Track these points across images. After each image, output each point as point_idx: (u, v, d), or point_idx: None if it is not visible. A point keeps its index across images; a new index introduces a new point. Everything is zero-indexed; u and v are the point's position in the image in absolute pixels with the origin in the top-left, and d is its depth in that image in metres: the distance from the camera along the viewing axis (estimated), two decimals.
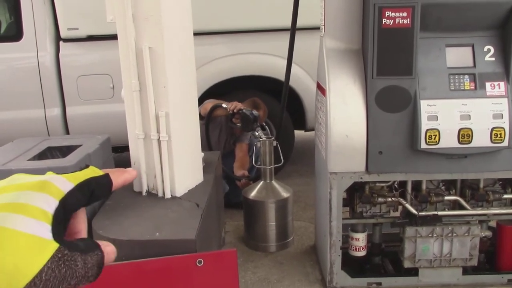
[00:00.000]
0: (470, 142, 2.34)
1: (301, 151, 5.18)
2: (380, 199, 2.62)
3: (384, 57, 2.33)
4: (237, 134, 3.93)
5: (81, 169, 0.53)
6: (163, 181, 2.44)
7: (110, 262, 0.53)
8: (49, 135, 3.98)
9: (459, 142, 2.35)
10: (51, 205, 0.47)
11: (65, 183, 0.49)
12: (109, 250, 0.53)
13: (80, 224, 0.56)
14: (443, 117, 2.34)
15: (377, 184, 2.63)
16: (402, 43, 2.31)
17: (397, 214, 2.73)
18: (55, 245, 0.44)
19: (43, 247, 0.43)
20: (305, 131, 4.62)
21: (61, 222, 0.47)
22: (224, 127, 3.91)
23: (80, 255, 0.47)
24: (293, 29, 2.98)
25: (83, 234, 0.56)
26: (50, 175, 0.50)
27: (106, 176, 0.54)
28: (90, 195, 0.52)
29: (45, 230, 0.45)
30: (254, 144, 3.76)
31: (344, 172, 2.49)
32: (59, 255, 0.44)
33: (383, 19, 2.28)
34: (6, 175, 0.50)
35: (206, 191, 2.52)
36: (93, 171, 0.53)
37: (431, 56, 2.39)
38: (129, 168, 0.57)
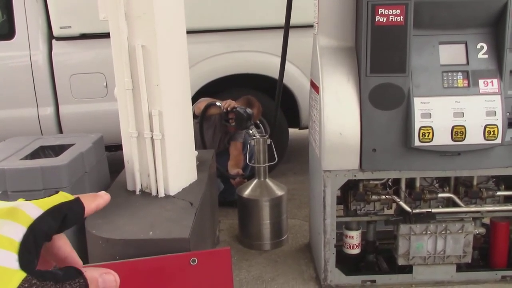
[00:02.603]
0: (463, 139, 2.35)
1: (296, 149, 5.18)
2: (374, 197, 2.62)
3: (377, 54, 2.33)
4: (231, 133, 3.92)
5: (50, 195, 0.51)
6: (156, 180, 2.43)
7: None
8: (42, 134, 3.95)
9: (453, 140, 2.35)
10: (18, 232, 0.44)
11: (34, 209, 0.47)
12: (107, 278, 0.51)
13: (65, 249, 0.54)
14: (437, 114, 2.34)
15: (371, 182, 2.63)
16: (396, 40, 2.31)
17: (391, 211, 2.73)
18: (22, 275, 0.42)
19: (8, 277, 0.42)
20: (299, 129, 4.62)
21: (31, 250, 0.45)
22: (218, 125, 3.90)
23: (54, 285, 0.45)
24: (287, 27, 2.98)
25: (73, 259, 0.54)
26: (19, 202, 0.48)
27: (77, 200, 0.52)
28: (62, 220, 0.50)
29: (11, 260, 0.42)
30: (248, 143, 3.76)
31: (338, 170, 2.49)
32: (26, 285, 0.42)
33: (376, 17, 2.28)
34: None
35: (200, 190, 2.51)
36: (63, 197, 0.51)
37: (424, 54, 2.39)
38: (101, 192, 0.56)
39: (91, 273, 0.50)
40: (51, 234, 0.50)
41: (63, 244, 0.54)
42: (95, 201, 0.57)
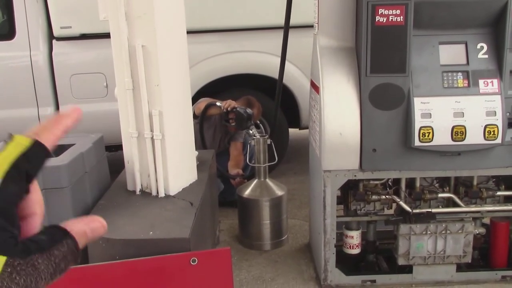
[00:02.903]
0: (463, 139, 2.35)
1: (296, 149, 5.18)
2: (374, 197, 2.62)
3: (377, 54, 2.33)
4: (231, 133, 3.92)
5: (5, 143, 0.45)
6: (156, 180, 2.43)
7: (99, 236, 0.48)
8: None
9: (453, 140, 2.35)
10: None
11: None
12: (94, 226, 0.48)
13: (32, 206, 0.48)
14: (437, 114, 2.35)
15: (371, 182, 2.63)
16: (396, 40, 2.31)
17: (391, 211, 2.73)
18: (1, 260, 0.38)
19: None
20: (299, 129, 4.62)
21: (3, 227, 0.40)
22: (219, 125, 3.90)
23: (40, 256, 0.40)
24: (287, 27, 2.98)
25: (38, 215, 0.48)
26: None
27: (36, 143, 0.45)
28: (28, 177, 0.44)
29: None
30: (249, 143, 3.76)
31: (338, 170, 2.49)
32: (9, 269, 0.38)
33: (377, 17, 2.28)
34: None
35: (200, 190, 2.51)
36: (18, 145, 0.44)
37: (424, 54, 2.39)
38: (69, 108, 0.50)
39: (77, 226, 0.45)
40: (20, 198, 0.44)
41: (34, 198, 0.48)
42: (60, 124, 0.49)
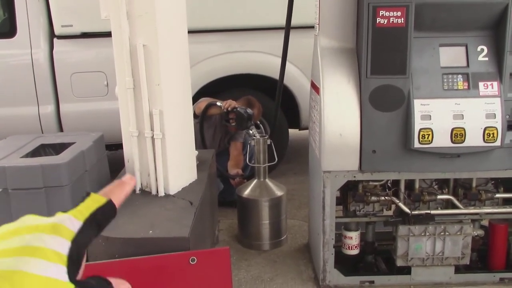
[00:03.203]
0: (463, 141, 2.36)
1: (296, 149, 5.19)
2: (373, 198, 2.63)
3: (378, 56, 2.34)
4: (231, 133, 3.92)
5: (83, 198, 0.55)
6: (156, 179, 2.44)
7: None
8: (42, 133, 3.96)
9: (452, 142, 2.36)
10: (64, 247, 0.49)
11: (74, 223, 0.53)
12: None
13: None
14: (436, 116, 2.35)
15: (371, 183, 2.64)
16: (396, 42, 2.31)
17: (390, 212, 2.74)
18: (71, 287, 0.46)
19: None
20: (299, 130, 4.63)
21: (75, 262, 0.49)
22: (219, 125, 3.91)
23: None
24: (288, 28, 2.98)
25: (83, 265, 0.58)
26: (58, 217, 0.52)
27: (109, 202, 0.57)
28: (99, 228, 0.55)
29: (62, 272, 0.47)
30: (249, 143, 3.76)
31: (338, 170, 2.49)
32: None
33: (377, 18, 2.28)
34: None
35: (199, 189, 2.52)
36: (95, 201, 0.56)
37: (425, 56, 2.40)
38: (127, 176, 0.59)
39: (116, 284, 0.56)
40: (90, 242, 0.55)
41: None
42: (123, 190, 0.62)
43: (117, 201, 0.57)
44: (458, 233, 2.59)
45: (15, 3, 3.97)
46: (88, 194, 0.54)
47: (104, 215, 0.54)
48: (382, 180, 2.63)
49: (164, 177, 2.43)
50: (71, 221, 0.50)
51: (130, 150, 2.49)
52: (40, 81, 4.03)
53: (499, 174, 2.55)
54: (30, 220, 0.51)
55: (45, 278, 0.44)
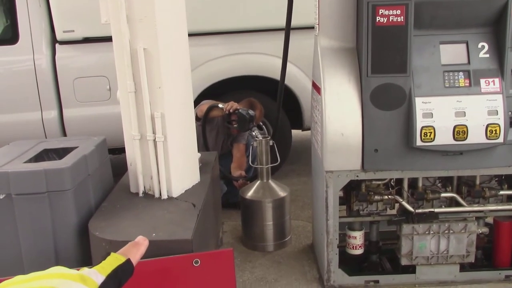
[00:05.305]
0: (465, 138, 2.35)
1: (299, 150, 5.19)
2: (377, 197, 2.62)
3: (378, 55, 2.34)
4: (234, 135, 3.93)
5: (103, 258, 0.66)
6: (159, 182, 2.44)
7: None
8: (46, 138, 3.98)
9: (455, 139, 2.35)
10: None
11: (97, 276, 0.59)
12: None
13: None
14: (438, 114, 2.35)
15: (373, 182, 2.63)
16: (396, 40, 2.31)
17: (394, 211, 2.73)
18: None
19: None
20: (302, 130, 4.63)
21: None
22: (221, 127, 3.92)
23: None
24: (288, 29, 2.98)
25: None
26: (84, 269, 0.61)
27: (128, 261, 0.66)
28: (119, 283, 0.61)
29: None
30: (251, 144, 3.77)
31: (340, 170, 2.49)
32: None
33: (377, 17, 2.28)
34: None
35: (202, 192, 2.52)
36: (116, 259, 0.62)
37: (425, 54, 2.40)
38: (139, 238, 0.67)
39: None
40: None
41: None
42: (139, 250, 0.71)
43: (134, 260, 0.65)
44: (463, 231, 2.58)
45: (17, 10, 4.00)
46: (108, 254, 0.63)
47: (123, 272, 0.60)
48: (385, 179, 2.63)
49: (166, 180, 2.43)
50: (95, 274, 0.58)
51: (132, 154, 2.49)
52: (43, 86, 4.05)
53: (502, 171, 2.55)
54: (59, 269, 0.58)
55: None
